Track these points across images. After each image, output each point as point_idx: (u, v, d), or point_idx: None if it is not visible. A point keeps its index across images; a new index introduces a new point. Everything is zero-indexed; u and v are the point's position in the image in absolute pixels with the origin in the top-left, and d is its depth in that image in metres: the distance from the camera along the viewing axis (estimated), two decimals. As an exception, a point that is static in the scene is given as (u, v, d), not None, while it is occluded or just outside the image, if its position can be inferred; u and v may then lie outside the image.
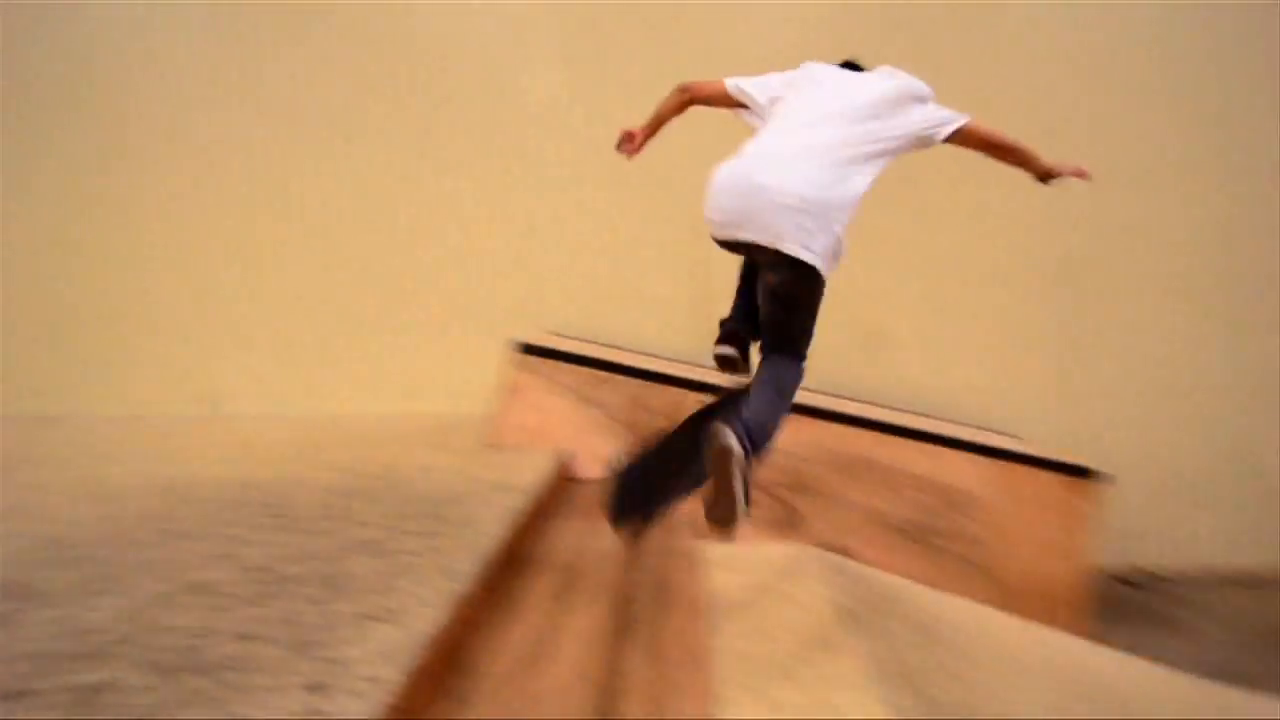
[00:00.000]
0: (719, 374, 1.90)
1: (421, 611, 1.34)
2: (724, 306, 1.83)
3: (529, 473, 2.34)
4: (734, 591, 1.97)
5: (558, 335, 3.28)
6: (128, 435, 3.13)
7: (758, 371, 1.66)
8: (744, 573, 2.15)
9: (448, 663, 1.33)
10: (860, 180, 1.50)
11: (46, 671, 1.14)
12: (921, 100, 1.61)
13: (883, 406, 3.15)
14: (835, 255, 1.50)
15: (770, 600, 1.85)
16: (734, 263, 1.81)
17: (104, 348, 3.59)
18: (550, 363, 2.69)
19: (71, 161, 3.49)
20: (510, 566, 1.84)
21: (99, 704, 1.04)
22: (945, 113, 1.62)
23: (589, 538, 2.14)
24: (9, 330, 3.54)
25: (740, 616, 1.85)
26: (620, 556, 2.09)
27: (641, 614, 1.83)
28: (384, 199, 3.40)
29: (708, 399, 2.12)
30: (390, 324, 3.42)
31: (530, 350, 2.69)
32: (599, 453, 2.70)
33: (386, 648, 1.21)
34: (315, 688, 1.09)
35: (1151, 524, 3.38)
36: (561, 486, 2.61)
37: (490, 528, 1.81)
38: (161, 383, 3.53)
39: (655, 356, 3.00)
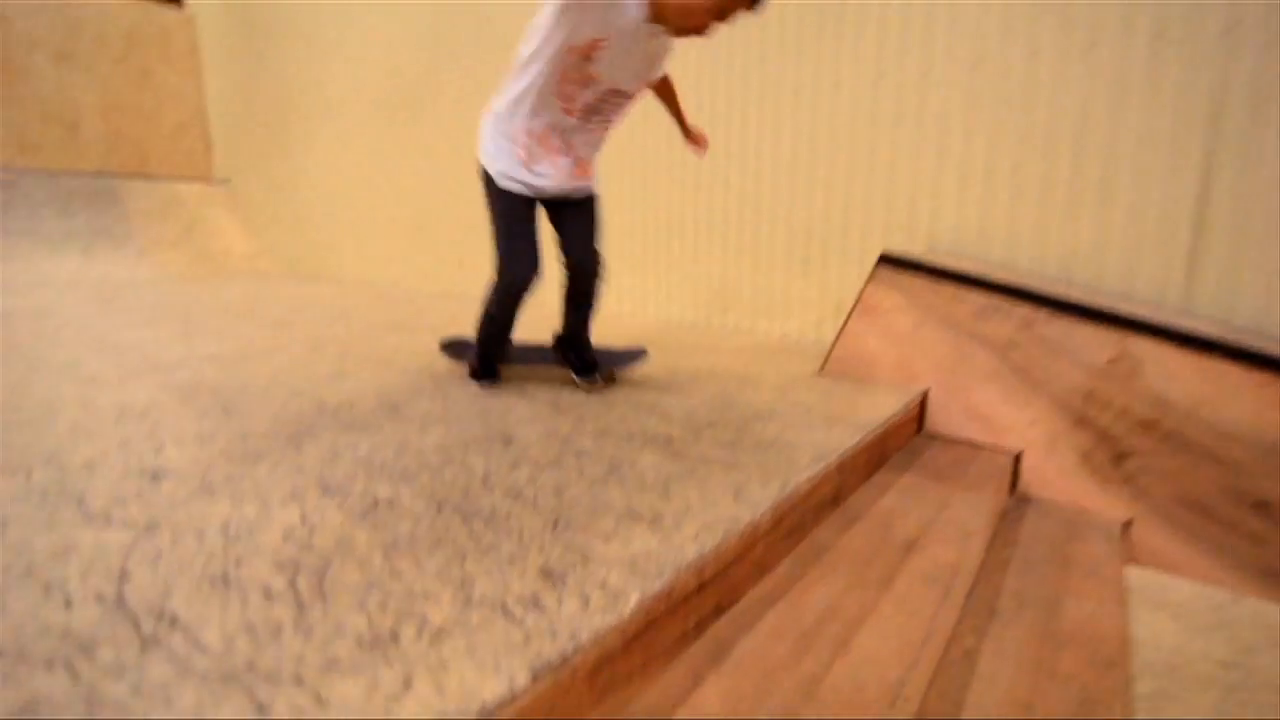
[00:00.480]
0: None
1: (689, 529, 1.04)
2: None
3: (868, 409, 1.82)
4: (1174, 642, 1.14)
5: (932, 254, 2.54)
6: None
7: None
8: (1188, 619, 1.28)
9: (703, 599, 1.01)
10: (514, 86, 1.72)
11: (366, 475, 1.25)
12: None
13: None
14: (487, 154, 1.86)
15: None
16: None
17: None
18: (919, 281, 2.04)
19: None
20: (819, 511, 1.42)
21: (370, 519, 1.06)
22: None
23: (938, 505, 1.54)
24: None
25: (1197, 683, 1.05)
26: (983, 537, 1.44)
27: (1006, 614, 1.20)
28: (745, 104, 3.13)
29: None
30: (748, 238, 3.21)
31: (896, 264, 2.08)
32: (971, 401, 1.98)
33: (638, 557, 0.95)
34: (548, 574, 0.89)
35: None
36: (908, 433, 2.01)
37: (803, 458, 1.40)
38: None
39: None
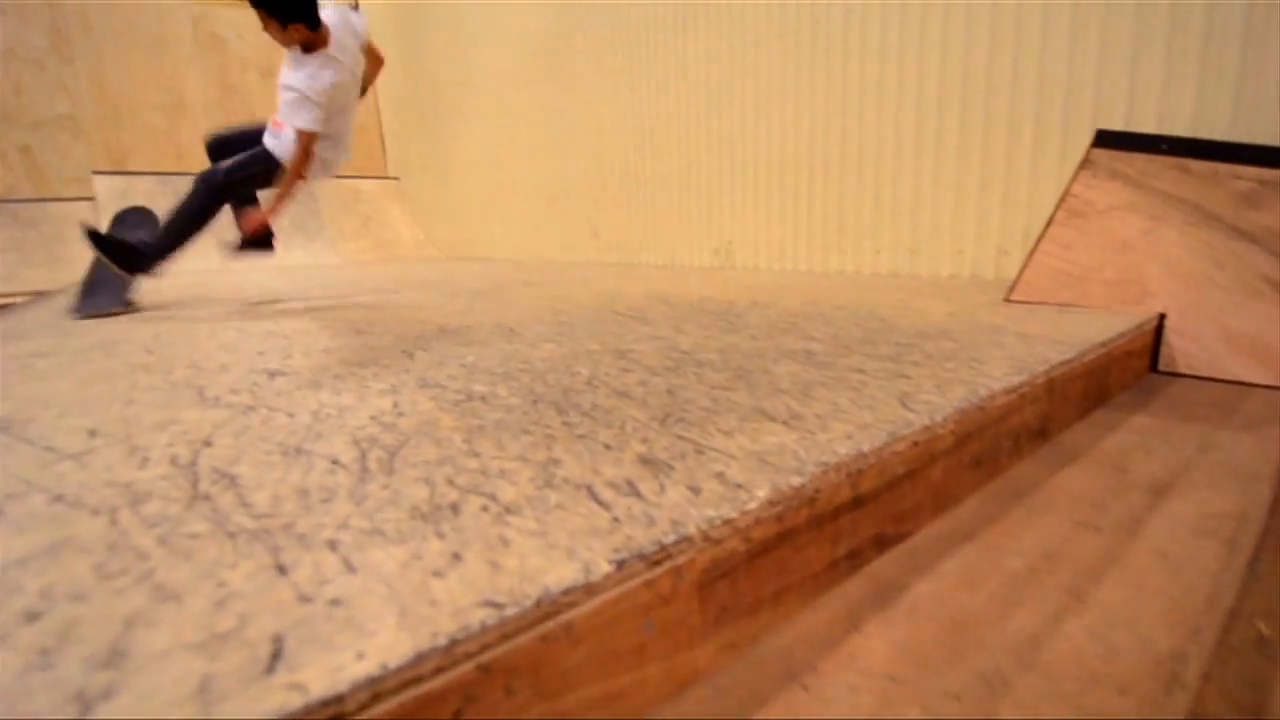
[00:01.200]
0: None
1: (838, 430, 0.79)
2: None
3: (1082, 329, 1.40)
4: None
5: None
6: (659, 274, 3.57)
7: None
8: None
9: (860, 521, 0.75)
10: None
11: (467, 377, 1.14)
12: None
13: None
14: None
15: None
16: None
17: (652, 214, 4.25)
18: (1156, 163, 1.53)
19: (612, 47, 4.13)
20: (1018, 442, 1.07)
21: (461, 409, 0.93)
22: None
23: (1196, 446, 1.11)
24: (609, 200, 4.62)
25: None
26: (1272, 484, 1.00)
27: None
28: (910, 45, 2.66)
29: None
30: (913, 181, 2.76)
31: (1121, 142, 1.58)
32: (1233, 324, 1.45)
33: (767, 452, 0.72)
34: (649, 462, 0.69)
35: None
36: (1136, 368, 1.53)
37: (996, 371, 1.06)
38: (690, 240, 3.95)
39: None
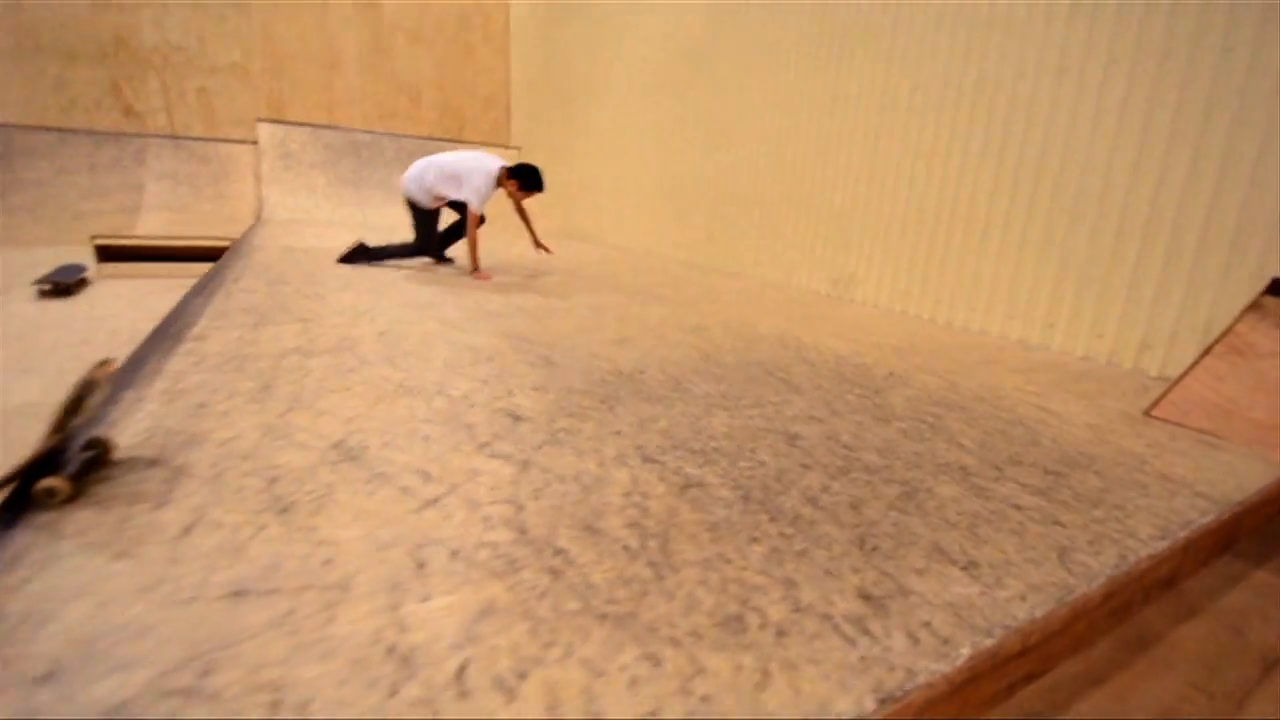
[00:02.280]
0: None
1: (1013, 586, 0.98)
2: None
3: (1224, 477, 1.49)
4: None
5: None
6: (776, 296, 3.72)
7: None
8: None
9: (1020, 664, 0.95)
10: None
11: (672, 451, 1.39)
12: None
13: None
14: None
15: None
16: None
17: (771, 229, 4.36)
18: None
19: (736, 70, 4.18)
20: (1149, 591, 1.22)
21: (688, 496, 1.18)
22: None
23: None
24: (729, 208, 4.75)
25: None
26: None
27: None
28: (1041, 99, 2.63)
29: None
30: (1043, 242, 2.78)
31: (1289, 293, 1.63)
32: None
33: (959, 604, 0.92)
34: (869, 599, 0.92)
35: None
36: (1268, 512, 1.60)
37: (1141, 528, 1.21)
38: (808, 263, 4.05)
39: None
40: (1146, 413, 1.90)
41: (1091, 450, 1.59)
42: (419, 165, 3.88)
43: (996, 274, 2.96)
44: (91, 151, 6.58)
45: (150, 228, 6.03)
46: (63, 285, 3.69)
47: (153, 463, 1.15)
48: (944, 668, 0.80)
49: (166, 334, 2.01)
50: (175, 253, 4.50)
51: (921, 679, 0.77)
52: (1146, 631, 1.17)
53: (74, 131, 6.72)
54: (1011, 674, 0.95)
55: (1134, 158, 2.43)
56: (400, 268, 3.85)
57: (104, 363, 1.18)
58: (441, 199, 3.88)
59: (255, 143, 7.16)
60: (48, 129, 6.66)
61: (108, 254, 4.32)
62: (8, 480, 0.97)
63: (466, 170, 3.69)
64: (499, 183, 3.75)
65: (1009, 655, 0.90)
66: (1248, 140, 2.12)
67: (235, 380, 1.60)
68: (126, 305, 3.61)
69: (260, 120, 7.12)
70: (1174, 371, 2.32)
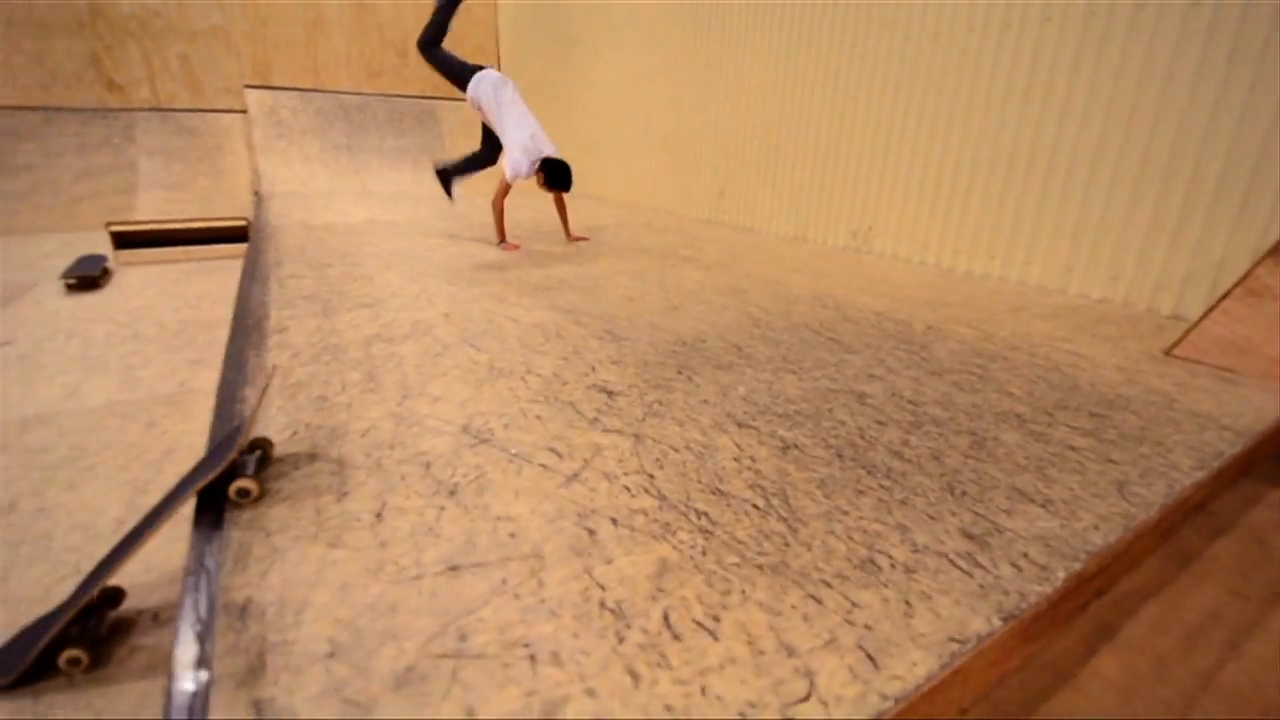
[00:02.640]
0: None
1: (1086, 518, 1.15)
2: None
3: (1244, 409, 1.67)
4: None
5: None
6: (797, 252, 3.82)
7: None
8: None
9: (1093, 582, 1.12)
10: None
11: (759, 415, 1.53)
12: None
13: None
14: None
15: None
16: None
17: (786, 183, 4.40)
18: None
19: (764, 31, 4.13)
20: (1185, 514, 1.40)
21: (790, 457, 1.33)
22: None
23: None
24: (742, 163, 4.77)
25: None
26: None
27: None
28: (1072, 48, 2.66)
29: None
30: (1063, 186, 2.88)
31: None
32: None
33: (1046, 536, 1.09)
34: (972, 537, 1.08)
35: None
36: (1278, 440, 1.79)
37: (1182, 460, 1.38)
38: (825, 216, 4.12)
39: None
40: (1167, 352, 2.07)
41: (1125, 391, 1.75)
42: (498, 84, 3.80)
43: (1016, 221, 3.06)
44: (79, 130, 6.40)
45: (149, 207, 5.95)
46: (89, 278, 3.72)
47: (312, 457, 1.27)
48: (1046, 589, 0.97)
49: (245, 327, 2.10)
50: (190, 235, 4.49)
51: (1031, 599, 0.94)
52: (1187, 549, 1.35)
53: (58, 110, 6.50)
54: (1087, 592, 1.12)
55: (1155, 104, 2.51)
56: (428, 241, 3.88)
57: (270, 370, 1.29)
58: (487, 122, 3.92)
59: (244, 111, 6.97)
60: (31, 108, 6.45)
61: (123, 240, 4.32)
62: (212, 482, 1.10)
63: (518, 143, 3.63)
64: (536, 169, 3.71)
65: (1087, 576, 1.08)
66: (1270, 90, 2.20)
67: (340, 371, 1.72)
68: (158, 294, 3.65)
69: (247, 86, 6.90)
70: (1187, 312, 2.48)
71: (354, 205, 5.40)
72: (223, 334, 3.00)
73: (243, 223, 4.58)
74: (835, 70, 3.87)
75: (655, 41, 5.50)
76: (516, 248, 3.73)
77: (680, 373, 1.77)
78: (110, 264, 4.13)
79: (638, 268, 3.23)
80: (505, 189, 3.71)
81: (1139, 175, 2.60)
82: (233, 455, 1.09)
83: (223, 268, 4.17)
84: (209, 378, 2.47)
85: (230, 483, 1.11)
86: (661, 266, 3.27)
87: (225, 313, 3.32)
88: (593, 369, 1.78)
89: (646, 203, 6.03)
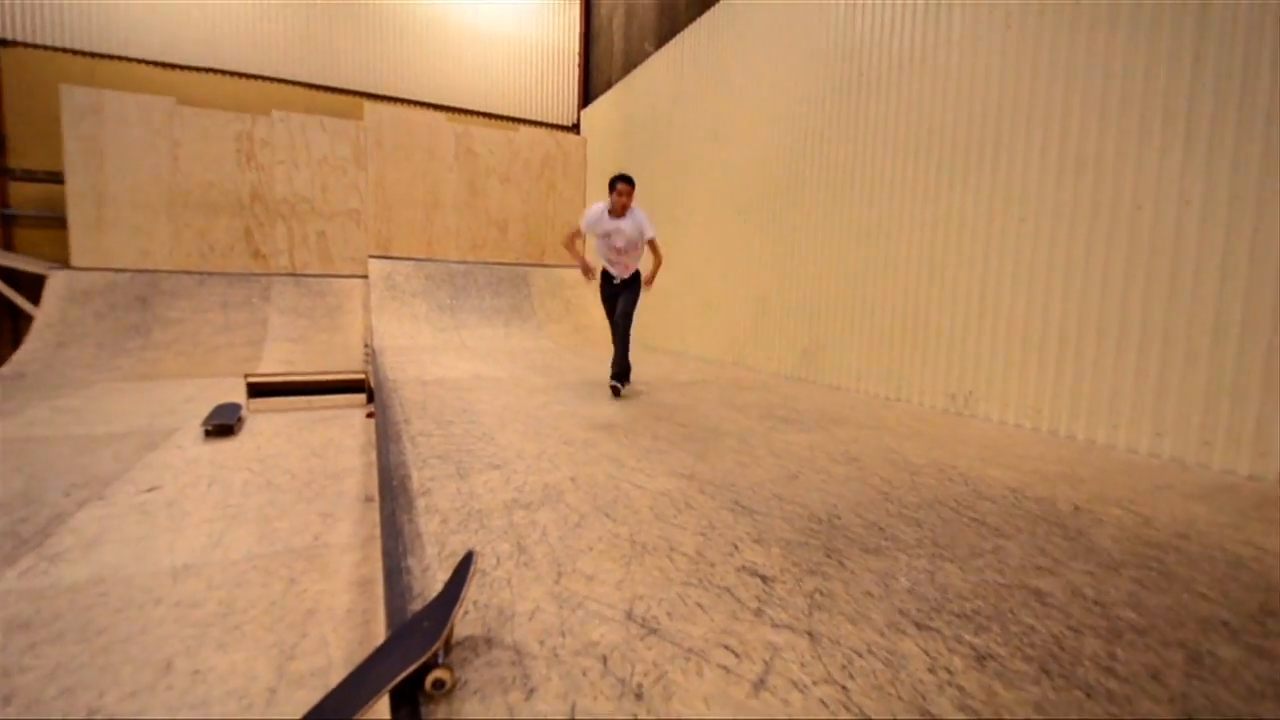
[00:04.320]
0: None
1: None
2: None
3: None
4: None
5: None
6: (897, 414, 3.78)
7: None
8: None
9: None
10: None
11: (935, 614, 1.43)
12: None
13: None
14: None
15: None
16: None
17: (878, 344, 4.52)
18: None
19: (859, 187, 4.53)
20: None
21: (990, 670, 1.22)
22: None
23: None
24: (827, 320, 4.98)
25: None
26: None
27: None
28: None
29: None
30: (1168, 346, 2.84)
31: None
32: None
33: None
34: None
35: None
36: None
37: None
38: (920, 376, 4.12)
39: None
40: (1371, 549, 1.85)
41: (1345, 600, 1.56)
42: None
43: (1138, 389, 2.98)
44: (224, 291, 7.37)
45: (274, 357, 6.60)
46: (225, 426, 4.05)
47: (489, 642, 1.27)
48: None
49: (392, 489, 2.21)
50: (314, 386, 4.91)
51: None
52: None
53: (211, 274, 7.57)
54: None
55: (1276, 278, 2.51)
56: (533, 399, 4.09)
57: (469, 555, 1.34)
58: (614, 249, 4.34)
59: (365, 276, 7.89)
60: (189, 273, 7.53)
61: (256, 390, 4.75)
62: (413, 673, 1.10)
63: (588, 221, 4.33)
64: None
65: None
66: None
67: (490, 541, 1.75)
68: (286, 442, 3.92)
69: (371, 256, 7.89)
70: (1371, 496, 2.25)
71: (457, 360, 5.83)
72: (349, 485, 3.16)
73: (360, 376, 4.99)
74: (923, 243, 4.11)
75: (738, 217, 6.05)
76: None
77: (829, 556, 1.71)
78: (244, 411, 4.52)
79: (739, 429, 3.26)
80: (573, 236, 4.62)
81: (1271, 341, 2.53)
82: (437, 647, 1.10)
83: (341, 417, 4.49)
84: (341, 532, 2.56)
85: (426, 672, 1.10)
86: (763, 428, 3.29)
87: (349, 462, 3.52)
88: (735, 548, 1.75)
89: (727, 358, 6.23)
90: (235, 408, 4.45)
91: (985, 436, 3.25)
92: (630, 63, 8.59)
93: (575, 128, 10.24)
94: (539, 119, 9.97)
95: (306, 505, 2.86)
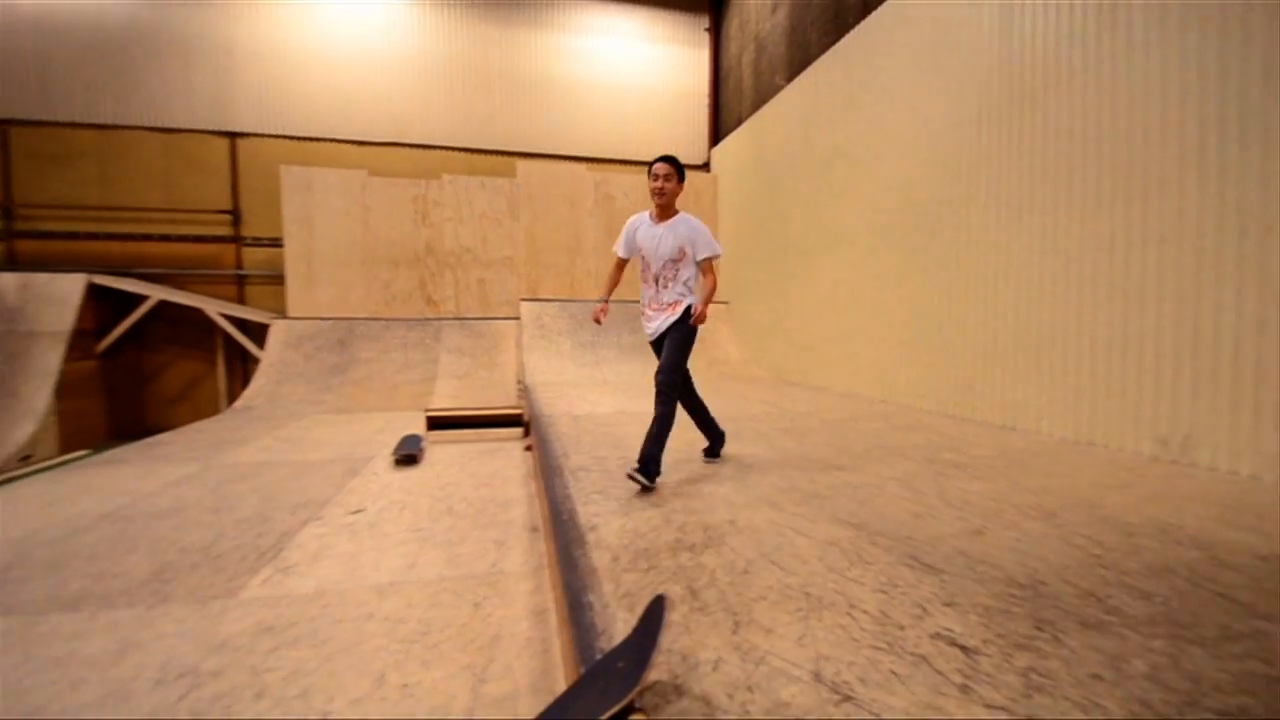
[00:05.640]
0: None
1: None
2: None
3: None
4: None
5: None
6: (1092, 461, 3.33)
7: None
8: None
9: None
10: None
11: (1187, 708, 1.20)
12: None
13: None
14: None
15: None
16: None
17: (1062, 378, 4.02)
18: None
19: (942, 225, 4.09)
20: None
21: None
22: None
23: None
24: (996, 355, 4.54)
25: None
26: None
27: None
28: None
29: None
30: None
31: None
32: None
33: None
34: None
35: None
36: None
37: None
38: (1118, 416, 3.58)
39: None
40: None
41: None
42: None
43: None
44: (404, 334, 8.37)
45: (444, 392, 7.33)
46: (411, 456, 4.55)
47: (677, 690, 1.28)
48: None
49: (562, 523, 2.34)
50: (481, 420, 5.38)
51: None
52: None
53: (393, 319, 8.63)
54: None
55: None
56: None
57: (661, 601, 1.39)
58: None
59: (517, 318, 8.57)
60: (376, 319, 8.65)
61: (434, 423, 5.30)
62: (615, 715, 1.14)
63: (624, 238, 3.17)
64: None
65: None
66: None
67: (660, 582, 1.78)
68: (459, 472, 4.32)
69: (523, 299, 8.57)
70: None
71: (600, 395, 6.09)
72: (516, 514, 3.40)
73: (518, 411, 5.39)
74: (1121, 247, 3.63)
75: (886, 243, 5.76)
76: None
77: (1040, 629, 1.53)
78: (424, 443, 5.06)
79: (901, 473, 3.05)
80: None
81: None
82: (638, 691, 1.13)
83: (503, 449, 4.87)
84: (514, 560, 2.75)
85: (626, 715, 1.14)
86: (930, 473, 3.05)
87: (513, 492, 3.79)
88: (923, 610, 1.62)
89: (875, 394, 5.89)
90: (417, 439, 4.99)
91: (1212, 490, 2.74)
92: (760, 98, 8.66)
93: (705, 166, 10.46)
94: (672, 161, 10.33)
95: (482, 532, 3.11)
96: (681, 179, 3.00)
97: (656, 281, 3.07)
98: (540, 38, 9.96)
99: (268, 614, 2.31)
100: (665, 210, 2.99)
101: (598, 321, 3.28)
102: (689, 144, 10.47)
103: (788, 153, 7.59)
